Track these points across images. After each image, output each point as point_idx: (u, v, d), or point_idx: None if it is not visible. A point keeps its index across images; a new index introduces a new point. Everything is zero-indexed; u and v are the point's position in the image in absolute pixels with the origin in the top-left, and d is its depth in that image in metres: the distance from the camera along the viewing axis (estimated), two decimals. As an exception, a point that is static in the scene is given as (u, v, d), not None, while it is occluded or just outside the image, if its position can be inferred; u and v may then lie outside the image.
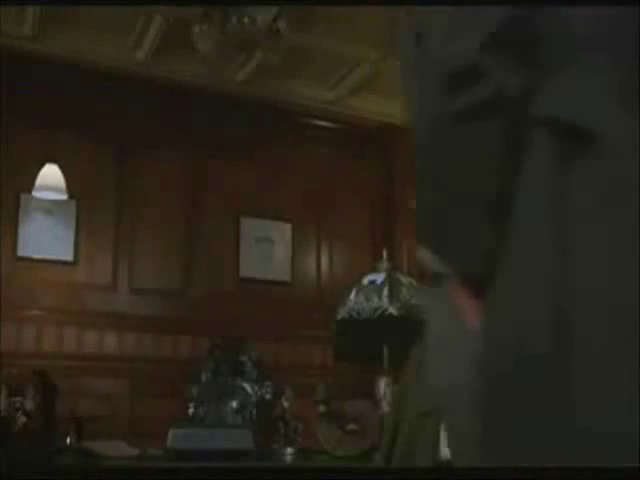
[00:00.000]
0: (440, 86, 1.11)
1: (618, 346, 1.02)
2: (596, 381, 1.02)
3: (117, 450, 4.15)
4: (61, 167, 5.92)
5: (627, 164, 1.06)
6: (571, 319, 1.04)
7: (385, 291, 5.03)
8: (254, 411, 5.31)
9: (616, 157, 1.06)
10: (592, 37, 1.17)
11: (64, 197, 5.96)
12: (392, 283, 5.15)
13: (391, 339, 4.95)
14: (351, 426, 4.91)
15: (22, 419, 4.44)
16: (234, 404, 5.15)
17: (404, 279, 5.33)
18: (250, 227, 6.73)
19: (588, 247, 1.06)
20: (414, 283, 5.25)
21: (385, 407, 4.86)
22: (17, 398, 4.76)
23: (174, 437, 4.04)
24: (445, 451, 2.56)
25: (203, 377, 5.25)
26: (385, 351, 4.96)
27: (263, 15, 5.52)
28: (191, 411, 5.12)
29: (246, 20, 5.49)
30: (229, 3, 5.71)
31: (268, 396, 5.38)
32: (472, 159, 1.12)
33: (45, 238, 6.04)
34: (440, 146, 1.15)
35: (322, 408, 5.01)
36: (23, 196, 6.02)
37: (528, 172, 1.09)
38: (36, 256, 6.03)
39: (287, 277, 6.97)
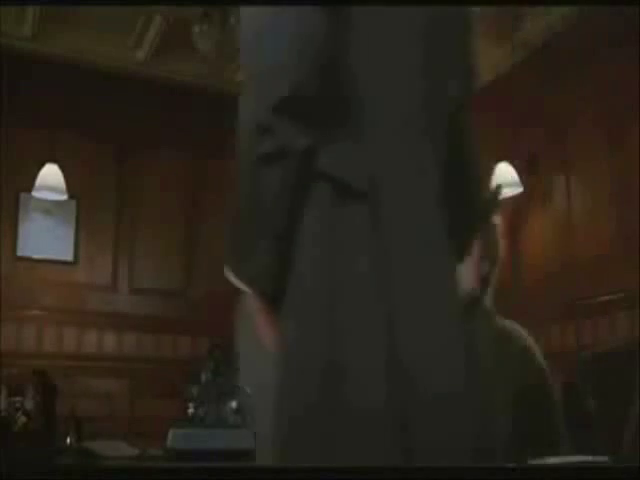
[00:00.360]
0: (247, 137, 1.40)
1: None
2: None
3: (117, 450, 4.14)
4: (61, 167, 5.92)
5: (401, 220, 1.36)
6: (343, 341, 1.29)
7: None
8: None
9: (388, 213, 1.35)
10: (382, 103, 1.44)
11: (64, 197, 5.96)
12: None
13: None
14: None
15: (22, 419, 4.44)
16: (234, 404, 5.14)
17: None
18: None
19: (357, 281, 1.32)
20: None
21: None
22: (17, 398, 4.75)
23: (174, 437, 4.03)
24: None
25: (203, 377, 5.25)
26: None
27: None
28: (191, 411, 5.12)
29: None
30: (229, 3, 5.71)
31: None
32: (264, 198, 1.39)
33: (45, 238, 6.04)
34: (244, 185, 1.43)
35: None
36: (23, 196, 6.02)
37: (309, 216, 1.37)
38: (36, 256, 6.02)
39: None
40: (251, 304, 1.46)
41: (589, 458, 2.36)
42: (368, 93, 1.44)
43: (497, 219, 2.79)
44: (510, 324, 2.66)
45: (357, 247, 1.34)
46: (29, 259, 6.04)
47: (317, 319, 1.33)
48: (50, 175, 5.90)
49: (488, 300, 2.71)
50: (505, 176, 5.88)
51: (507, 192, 5.58)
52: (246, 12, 1.46)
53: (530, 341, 2.58)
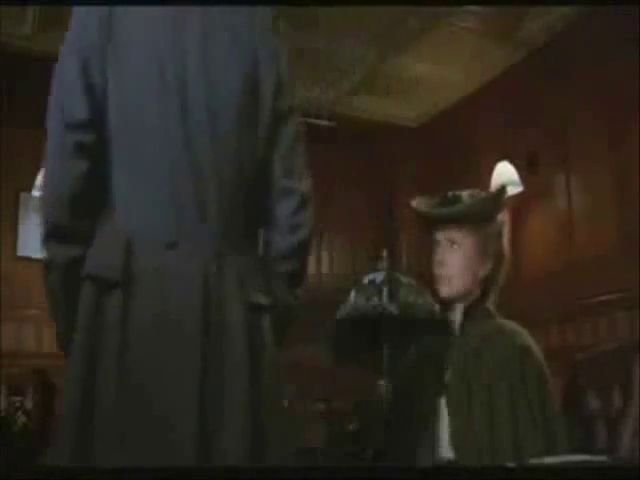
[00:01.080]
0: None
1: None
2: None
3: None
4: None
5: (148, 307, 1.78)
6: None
7: (385, 290, 5.02)
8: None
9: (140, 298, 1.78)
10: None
11: (64, 197, 5.96)
12: (392, 282, 5.14)
13: (391, 338, 4.95)
14: (351, 426, 4.91)
15: (22, 419, 4.45)
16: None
17: (403, 278, 5.32)
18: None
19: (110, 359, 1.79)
20: (413, 282, 5.25)
21: (385, 406, 4.86)
22: (17, 397, 4.76)
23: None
24: (446, 450, 2.56)
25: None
26: (385, 350, 4.95)
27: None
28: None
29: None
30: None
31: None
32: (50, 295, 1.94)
33: (45, 238, 6.04)
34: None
35: (322, 408, 5.01)
36: (23, 195, 6.03)
37: (81, 308, 1.81)
38: (36, 256, 6.01)
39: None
40: None
41: (588, 458, 2.36)
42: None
43: (504, 217, 2.79)
44: (510, 324, 2.65)
45: (111, 327, 1.78)
46: (29, 259, 6.04)
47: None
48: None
49: (491, 300, 2.70)
50: (505, 175, 5.88)
51: (507, 191, 5.58)
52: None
53: (530, 341, 2.58)
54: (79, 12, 1.93)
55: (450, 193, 2.71)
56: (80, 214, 1.85)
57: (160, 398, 1.75)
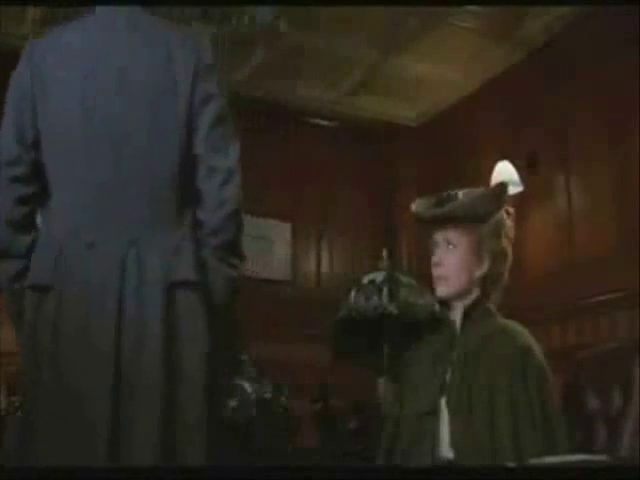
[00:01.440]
0: None
1: None
2: None
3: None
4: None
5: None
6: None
7: (385, 290, 5.02)
8: (253, 410, 5.30)
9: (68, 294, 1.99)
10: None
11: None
12: (392, 282, 5.14)
13: (391, 338, 4.95)
14: (351, 424, 4.91)
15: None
16: (233, 403, 5.14)
17: (403, 278, 5.31)
18: (249, 226, 6.67)
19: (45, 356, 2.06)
20: (413, 282, 5.24)
21: (385, 406, 4.85)
22: (16, 397, 4.76)
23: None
24: (446, 450, 2.56)
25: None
26: (385, 350, 4.95)
27: (263, 15, 5.52)
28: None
29: (246, 20, 5.49)
30: (229, 3, 5.72)
31: (267, 395, 5.37)
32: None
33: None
34: None
35: (321, 406, 5.01)
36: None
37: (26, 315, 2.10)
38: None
39: (287, 276, 6.97)
40: None
41: (588, 457, 2.35)
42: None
43: (507, 216, 2.76)
44: (511, 324, 2.65)
45: (45, 330, 2.00)
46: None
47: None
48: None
49: (493, 300, 2.70)
50: (505, 175, 5.88)
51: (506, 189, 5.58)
52: None
53: (531, 340, 2.57)
54: (19, 66, 2.34)
55: (446, 193, 2.70)
56: (20, 232, 2.12)
57: (77, 394, 1.94)
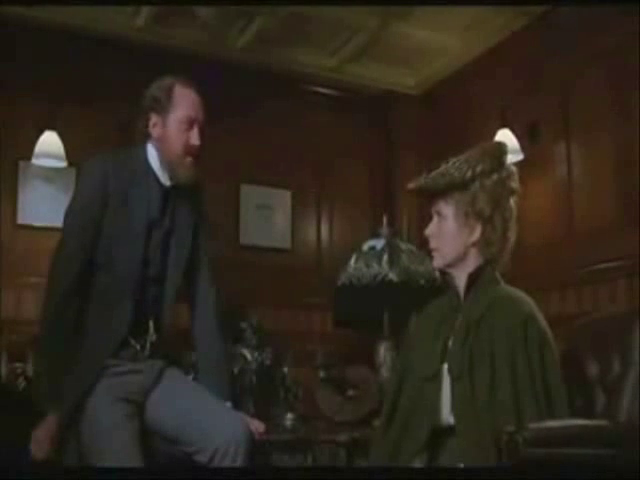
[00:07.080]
0: None
1: None
2: None
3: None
4: (60, 134, 5.90)
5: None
6: None
7: (385, 257, 5.03)
8: (254, 377, 5.33)
9: None
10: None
11: (63, 164, 5.95)
12: (392, 249, 5.15)
13: (391, 305, 4.96)
14: (351, 392, 4.93)
15: (23, 384, 4.48)
16: (234, 371, 5.16)
17: (404, 245, 5.32)
18: (250, 194, 6.71)
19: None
20: (414, 249, 5.26)
21: (385, 373, 4.88)
22: (18, 364, 4.78)
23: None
24: (446, 416, 2.58)
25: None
26: (385, 317, 4.97)
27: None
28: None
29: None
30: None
31: (268, 362, 5.40)
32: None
33: (45, 205, 6.03)
34: None
35: (322, 374, 5.03)
36: (22, 163, 6.01)
37: None
38: (36, 223, 6.02)
39: (287, 244, 6.97)
40: None
41: (588, 422, 2.37)
42: None
43: (507, 177, 2.72)
44: (516, 292, 2.65)
45: None
46: (29, 227, 6.03)
47: None
48: (49, 142, 5.88)
49: (499, 266, 2.70)
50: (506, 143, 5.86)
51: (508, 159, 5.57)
52: None
53: (535, 309, 2.58)
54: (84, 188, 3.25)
55: (441, 166, 2.69)
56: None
57: None
